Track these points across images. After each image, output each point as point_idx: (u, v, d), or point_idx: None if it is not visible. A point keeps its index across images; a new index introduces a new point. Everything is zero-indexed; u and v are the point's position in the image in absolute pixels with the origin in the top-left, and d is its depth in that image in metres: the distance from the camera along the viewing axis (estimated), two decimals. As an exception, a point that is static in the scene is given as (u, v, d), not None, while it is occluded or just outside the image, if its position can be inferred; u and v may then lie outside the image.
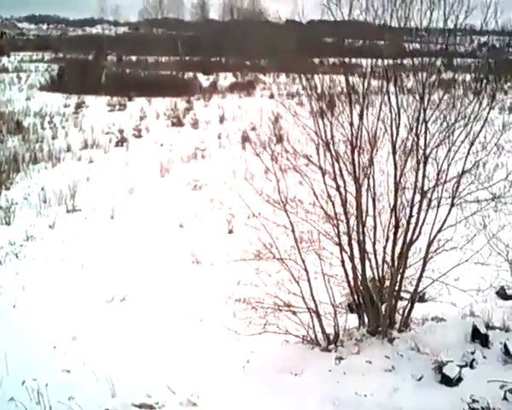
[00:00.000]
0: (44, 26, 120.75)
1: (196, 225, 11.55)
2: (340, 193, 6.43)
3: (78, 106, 26.74)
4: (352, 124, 6.29)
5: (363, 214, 6.47)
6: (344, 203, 6.42)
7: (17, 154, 17.41)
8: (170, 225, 11.54)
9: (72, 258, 9.77)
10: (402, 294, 6.99)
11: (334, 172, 6.42)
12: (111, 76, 35.50)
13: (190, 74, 42.50)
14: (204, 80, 41.32)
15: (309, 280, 6.35)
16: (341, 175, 6.37)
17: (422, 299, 7.40)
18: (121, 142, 19.56)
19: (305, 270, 6.34)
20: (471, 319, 6.82)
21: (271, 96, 30.01)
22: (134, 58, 58.99)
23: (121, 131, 19.98)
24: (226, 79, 43.42)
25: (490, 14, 6.07)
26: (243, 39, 55.57)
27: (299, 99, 16.61)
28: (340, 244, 6.61)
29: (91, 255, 9.88)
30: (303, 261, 6.34)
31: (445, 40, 6.50)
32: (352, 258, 6.60)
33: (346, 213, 6.42)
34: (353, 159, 6.34)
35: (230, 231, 11.04)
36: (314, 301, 6.42)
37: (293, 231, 6.29)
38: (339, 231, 6.55)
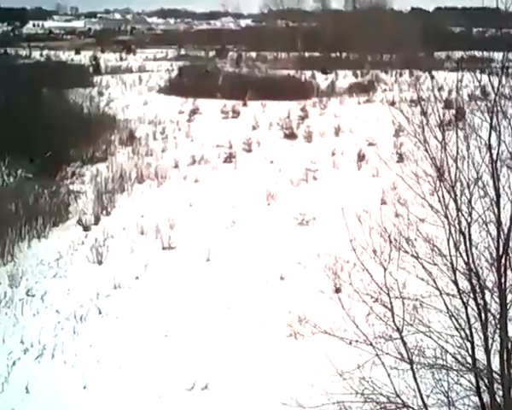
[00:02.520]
0: (172, 21, 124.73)
1: (298, 278, 10.15)
2: (480, 312, 4.75)
3: (192, 112, 26.24)
4: (499, 223, 4.58)
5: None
6: (484, 325, 4.74)
7: (124, 171, 16.98)
8: (269, 276, 10.23)
9: (157, 319, 8.78)
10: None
11: (471, 284, 4.75)
12: (228, 78, 34.98)
13: (308, 73, 41.11)
14: (322, 80, 39.69)
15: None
16: (482, 291, 4.68)
17: None
18: (230, 158, 18.58)
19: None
20: None
21: (393, 103, 27.86)
22: (254, 54, 58.71)
23: (231, 146, 18.98)
24: (345, 78, 41.49)
25: None
26: (365, 31, 53.21)
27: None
28: (476, 374, 4.96)
29: (178, 318, 8.82)
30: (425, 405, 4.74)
31: None
32: (492, 393, 4.92)
33: (486, 340, 4.72)
34: (499, 270, 4.62)
35: (338, 290, 9.50)
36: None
37: (412, 368, 4.69)
38: (474, 358, 4.89)
